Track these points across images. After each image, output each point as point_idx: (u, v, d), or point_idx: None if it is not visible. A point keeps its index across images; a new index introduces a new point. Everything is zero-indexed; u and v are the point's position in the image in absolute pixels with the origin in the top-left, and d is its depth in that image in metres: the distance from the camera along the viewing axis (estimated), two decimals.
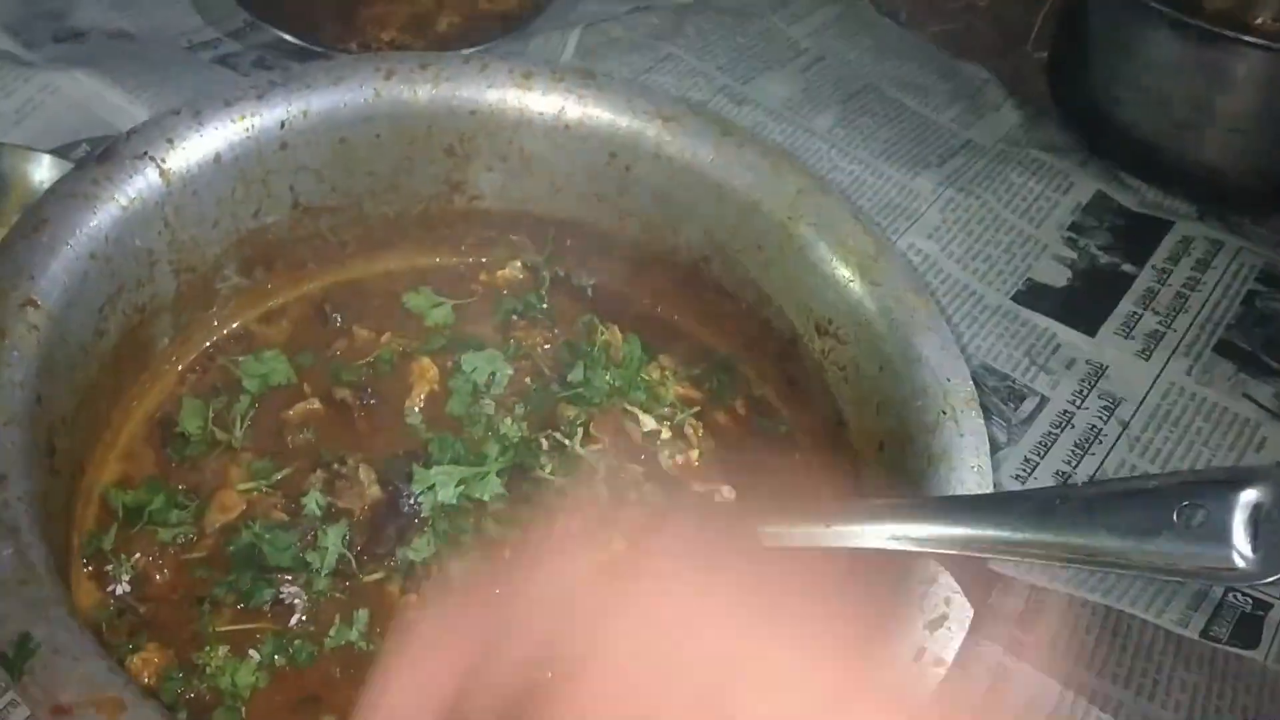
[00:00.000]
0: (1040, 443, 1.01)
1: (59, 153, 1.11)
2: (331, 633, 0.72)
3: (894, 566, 0.69)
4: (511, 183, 0.90)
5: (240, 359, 0.84)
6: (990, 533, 0.65)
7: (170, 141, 0.76)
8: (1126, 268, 1.16)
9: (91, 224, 0.71)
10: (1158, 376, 1.07)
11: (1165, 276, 1.16)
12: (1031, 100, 1.35)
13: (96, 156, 0.74)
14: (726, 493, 0.85)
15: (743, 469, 0.86)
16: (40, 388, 0.66)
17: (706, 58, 1.32)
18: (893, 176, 1.22)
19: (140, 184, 0.74)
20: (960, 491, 0.71)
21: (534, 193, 0.91)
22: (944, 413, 0.74)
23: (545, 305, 0.93)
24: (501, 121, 0.86)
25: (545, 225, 0.93)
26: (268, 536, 0.74)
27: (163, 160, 0.75)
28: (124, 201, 0.73)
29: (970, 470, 0.71)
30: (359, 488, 0.78)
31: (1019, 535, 0.64)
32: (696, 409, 0.89)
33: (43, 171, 1.09)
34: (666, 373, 0.90)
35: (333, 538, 0.74)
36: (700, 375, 0.91)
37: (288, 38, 1.26)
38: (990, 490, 0.71)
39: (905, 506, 0.71)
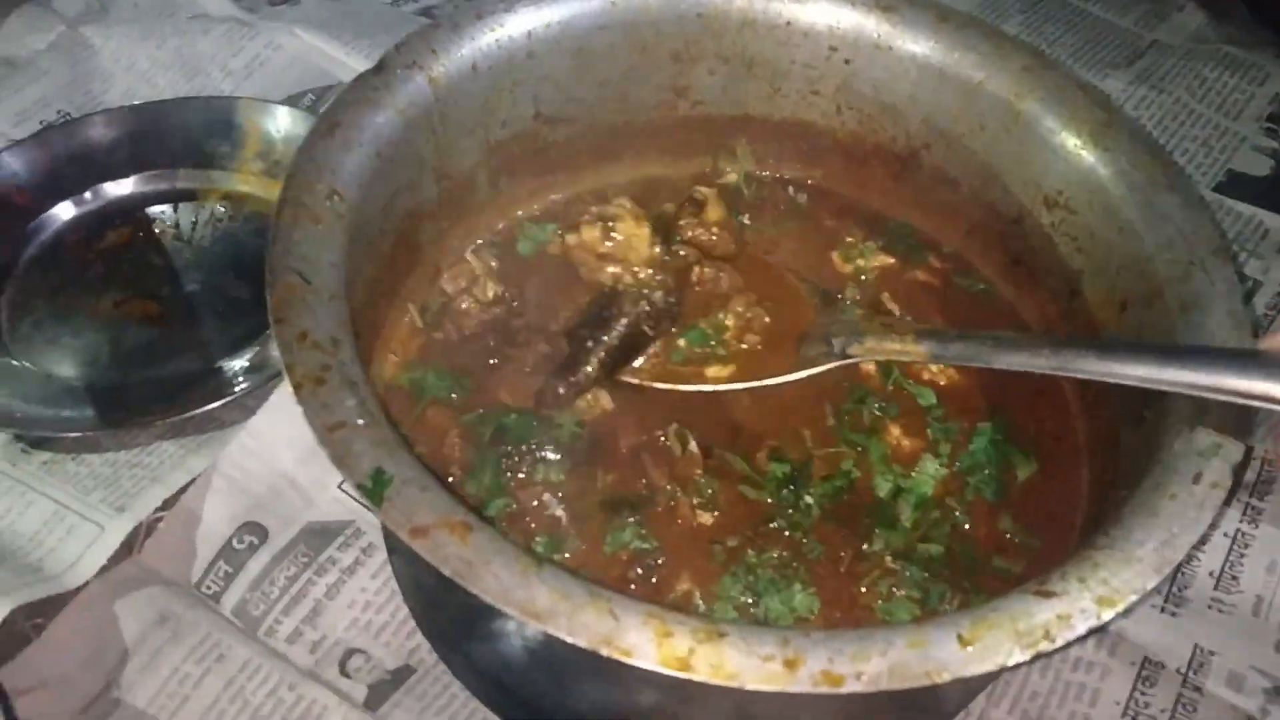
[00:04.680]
0: (1257, 325, 1.01)
1: (288, 103, 1.18)
2: None
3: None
4: (732, 85, 0.93)
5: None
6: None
7: (434, 52, 0.81)
8: None
9: (378, 123, 0.77)
10: None
11: None
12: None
13: (372, 68, 0.79)
14: None
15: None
16: (348, 271, 0.71)
17: None
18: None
19: (412, 91, 0.79)
20: (1219, 338, 0.71)
21: (753, 94, 0.94)
22: (1193, 264, 0.74)
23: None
24: (726, 23, 0.89)
25: (763, 127, 0.96)
26: None
27: (430, 69, 0.80)
28: (401, 105, 0.78)
29: (1224, 315, 0.71)
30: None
31: None
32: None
33: (277, 121, 1.16)
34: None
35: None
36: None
37: None
38: (1249, 334, 0.71)
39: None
